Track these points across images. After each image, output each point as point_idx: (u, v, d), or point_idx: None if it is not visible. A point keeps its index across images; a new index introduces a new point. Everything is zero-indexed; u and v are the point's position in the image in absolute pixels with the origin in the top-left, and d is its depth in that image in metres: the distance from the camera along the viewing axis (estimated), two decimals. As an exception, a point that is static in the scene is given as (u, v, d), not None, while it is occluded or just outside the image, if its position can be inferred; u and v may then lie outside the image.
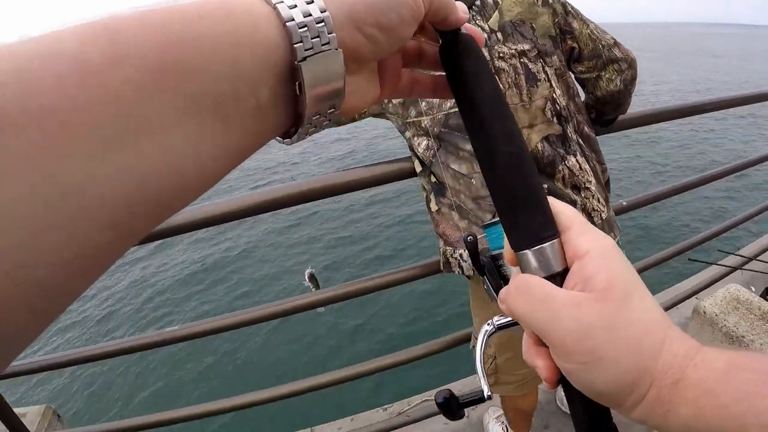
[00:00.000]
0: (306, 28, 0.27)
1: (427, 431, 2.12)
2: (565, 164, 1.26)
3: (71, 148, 0.19)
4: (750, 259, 2.53)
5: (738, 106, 2.16)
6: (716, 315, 1.43)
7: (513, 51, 1.22)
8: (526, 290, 0.35)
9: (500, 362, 1.48)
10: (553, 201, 0.36)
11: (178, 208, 0.25)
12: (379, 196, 9.14)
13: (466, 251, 1.29)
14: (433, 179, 1.31)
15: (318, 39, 0.28)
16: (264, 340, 5.62)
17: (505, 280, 0.37)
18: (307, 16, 0.27)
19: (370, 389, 4.39)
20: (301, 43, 0.27)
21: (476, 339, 1.52)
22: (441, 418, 2.11)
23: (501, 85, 1.20)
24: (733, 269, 2.51)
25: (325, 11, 0.28)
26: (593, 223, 1.29)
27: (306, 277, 1.85)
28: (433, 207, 1.33)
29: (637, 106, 1.64)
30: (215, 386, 5.05)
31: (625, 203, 1.90)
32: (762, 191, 8.78)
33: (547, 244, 0.34)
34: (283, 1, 0.27)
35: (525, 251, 0.35)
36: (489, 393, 0.52)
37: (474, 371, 2.29)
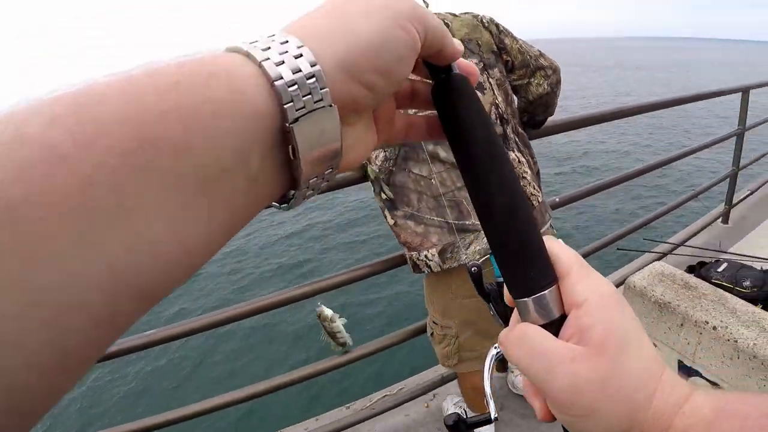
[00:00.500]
0: (296, 86, 0.25)
1: (390, 423, 2.19)
2: None
3: (41, 248, 0.17)
4: (677, 245, 2.76)
5: (653, 111, 2.41)
6: (645, 287, 1.60)
7: None
8: (523, 342, 0.34)
9: (462, 341, 1.59)
10: (551, 244, 0.36)
11: (164, 295, 0.23)
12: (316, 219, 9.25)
13: (431, 251, 1.41)
14: (384, 196, 1.44)
15: (310, 96, 0.25)
16: (216, 347, 5.57)
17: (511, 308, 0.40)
18: (297, 73, 0.25)
19: (333, 390, 4.43)
20: (291, 103, 0.25)
21: (436, 325, 1.64)
22: (402, 409, 2.20)
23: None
24: (663, 255, 2.73)
25: (315, 65, 0.26)
26: (532, 206, 1.46)
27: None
28: (390, 221, 1.47)
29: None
30: (175, 395, 4.96)
31: (557, 200, 2.08)
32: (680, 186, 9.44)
33: (545, 292, 0.34)
34: (269, 58, 0.25)
35: (523, 299, 0.35)
36: (496, 415, 0.57)
37: (428, 365, 2.37)
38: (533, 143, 1.64)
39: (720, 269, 2.01)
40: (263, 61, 0.25)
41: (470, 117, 0.34)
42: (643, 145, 13.36)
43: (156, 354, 5.36)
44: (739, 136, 3.25)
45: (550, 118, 1.77)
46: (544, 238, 0.36)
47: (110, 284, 0.19)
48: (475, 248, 1.42)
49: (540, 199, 1.53)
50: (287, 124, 0.25)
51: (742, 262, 2.07)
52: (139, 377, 5.30)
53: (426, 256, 1.44)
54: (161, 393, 5.04)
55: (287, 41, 0.26)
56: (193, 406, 1.80)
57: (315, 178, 0.28)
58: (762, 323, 1.43)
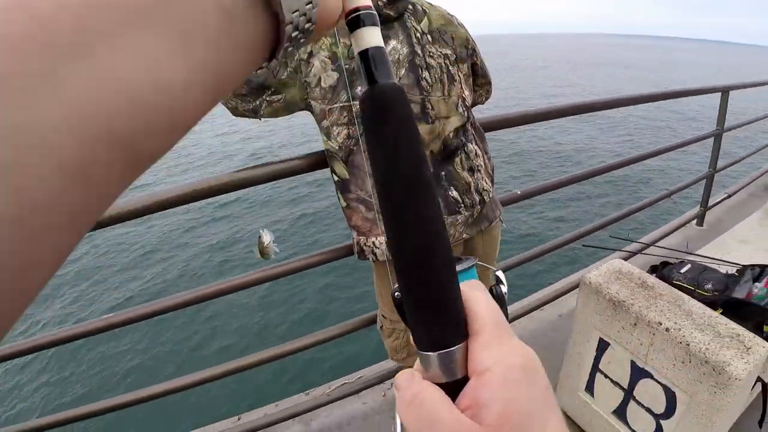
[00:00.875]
0: None
1: (348, 410, 2.19)
2: (464, 150, 1.45)
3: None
4: (647, 245, 2.74)
5: (629, 105, 2.38)
6: (600, 284, 1.57)
7: (439, 53, 1.39)
8: (417, 406, 0.31)
9: (411, 335, 1.57)
10: (470, 295, 0.33)
11: (150, 154, 0.21)
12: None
13: (379, 239, 1.38)
14: (336, 177, 1.40)
15: None
16: (169, 332, 5.63)
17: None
18: None
19: (291, 377, 4.48)
20: None
21: (385, 318, 1.61)
22: (360, 397, 2.21)
23: (431, 79, 1.36)
24: (631, 254, 2.72)
25: None
26: (483, 201, 1.46)
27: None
28: (343, 203, 1.43)
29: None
30: (128, 379, 5.00)
31: (519, 192, 2.05)
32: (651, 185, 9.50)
33: (452, 349, 0.31)
34: None
35: (427, 353, 0.31)
36: None
37: (381, 357, 2.35)
38: (510, 131, 1.64)
39: (682, 270, 1.99)
40: None
41: (393, 141, 0.30)
42: (635, 143, 13.44)
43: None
44: (717, 137, 3.22)
45: (527, 106, 1.78)
46: (466, 285, 0.32)
47: (80, 125, 0.18)
48: None
49: (492, 195, 1.54)
50: None
51: (706, 264, 2.05)
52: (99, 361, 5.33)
53: (373, 243, 1.41)
54: (115, 377, 5.08)
55: None
56: (152, 388, 1.81)
57: (296, 12, 0.26)
58: (717, 328, 1.41)
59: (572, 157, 11.98)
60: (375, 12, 0.31)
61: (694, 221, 3.69)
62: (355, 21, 0.31)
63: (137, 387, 1.82)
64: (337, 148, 1.35)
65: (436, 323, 0.31)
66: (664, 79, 33.48)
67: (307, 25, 0.28)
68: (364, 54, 0.31)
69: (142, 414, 4.13)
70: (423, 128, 1.36)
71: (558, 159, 11.75)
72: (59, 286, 6.86)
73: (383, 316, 1.63)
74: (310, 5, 0.27)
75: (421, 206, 0.30)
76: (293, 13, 0.26)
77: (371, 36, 0.31)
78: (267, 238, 1.55)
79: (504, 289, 0.47)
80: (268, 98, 1.30)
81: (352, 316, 1.94)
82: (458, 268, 0.42)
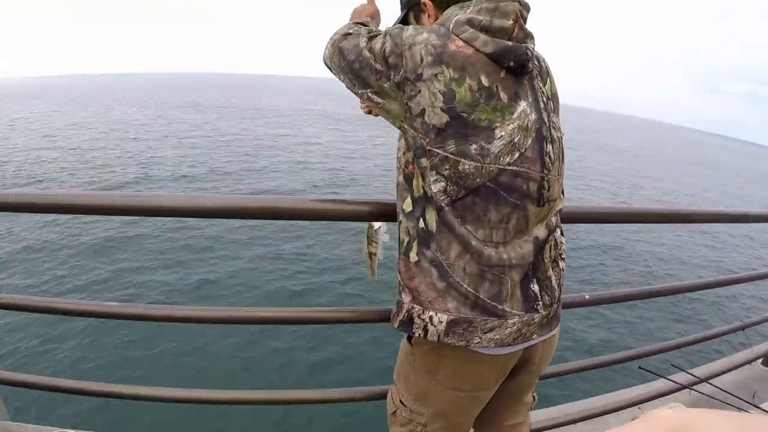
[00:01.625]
0: None
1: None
2: (553, 235, 1.27)
3: None
4: (700, 380, 2.48)
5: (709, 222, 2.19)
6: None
7: (558, 125, 1.25)
8: None
9: (429, 430, 1.39)
10: None
11: None
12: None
13: (440, 315, 1.16)
14: (422, 225, 1.17)
15: None
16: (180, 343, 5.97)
17: None
18: None
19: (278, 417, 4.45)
20: None
21: (403, 406, 1.42)
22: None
23: (553, 155, 1.20)
24: (682, 387, 2.47)
25: None
26: (555, 297, 1.28)
27: None
28: (413, 258, 1.19)
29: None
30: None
31: (587, 296, 1.89)
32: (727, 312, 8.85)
33: None
34: None
35: None
36: None
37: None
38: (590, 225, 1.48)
39: None
40: None
41: None
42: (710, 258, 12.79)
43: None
44: (810, 270, 2.90)
45: (610, 204, 1.63)
46: None
47: None
48: (493, 336, 1.16)
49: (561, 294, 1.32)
50: None
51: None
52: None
53: (431, 317, 1.17)
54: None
55: None
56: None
57: None
58: None
59: (647, 263, 11.48)
60: None
61: (760, 360, 3.33)
62: None
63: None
64: (427, 195, 1.15)
65: None
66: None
67: None
68: None
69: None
70: (533, 210, 1.17)
71: (631, 263, 11.26)
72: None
73: (401, 401, 1.41)
74: None
75: None
76: None
77: None
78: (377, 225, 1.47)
79: None
80: (370, 94, 1.17)
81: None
82: None
